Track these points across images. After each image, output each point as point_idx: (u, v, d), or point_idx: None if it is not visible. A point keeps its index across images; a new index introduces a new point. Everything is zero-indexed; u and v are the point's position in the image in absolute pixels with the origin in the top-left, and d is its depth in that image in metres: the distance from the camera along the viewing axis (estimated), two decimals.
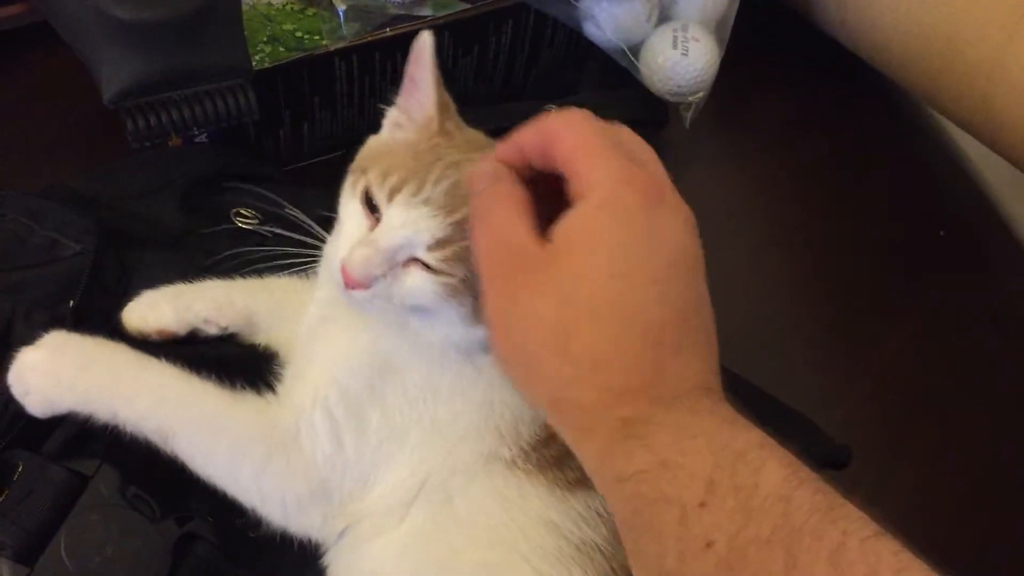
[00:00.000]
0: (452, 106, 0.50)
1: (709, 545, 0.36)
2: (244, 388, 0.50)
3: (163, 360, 0.50)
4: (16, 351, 0.50)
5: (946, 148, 0.85)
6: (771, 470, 0.36)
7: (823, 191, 0.81)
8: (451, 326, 0.47)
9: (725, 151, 0.83)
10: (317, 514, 0.50)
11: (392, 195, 0.46)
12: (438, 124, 0.49)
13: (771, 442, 0.38)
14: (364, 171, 0.48)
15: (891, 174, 0.83)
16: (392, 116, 0.52)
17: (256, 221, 0.62)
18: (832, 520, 0.35)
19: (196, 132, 0.62)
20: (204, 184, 0.63)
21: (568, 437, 0.41)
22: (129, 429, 0.49)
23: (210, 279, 0.57)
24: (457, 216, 0.45)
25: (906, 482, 0.66)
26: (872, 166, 0.83)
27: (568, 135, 0.42)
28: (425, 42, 0.48)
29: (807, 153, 0.82)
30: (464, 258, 0.45)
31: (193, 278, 0.56)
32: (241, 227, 0.62)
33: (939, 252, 0.79)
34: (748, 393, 0.60)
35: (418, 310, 0.47)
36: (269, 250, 0.55)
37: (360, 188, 0.47)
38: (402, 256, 0.46)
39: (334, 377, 0.49)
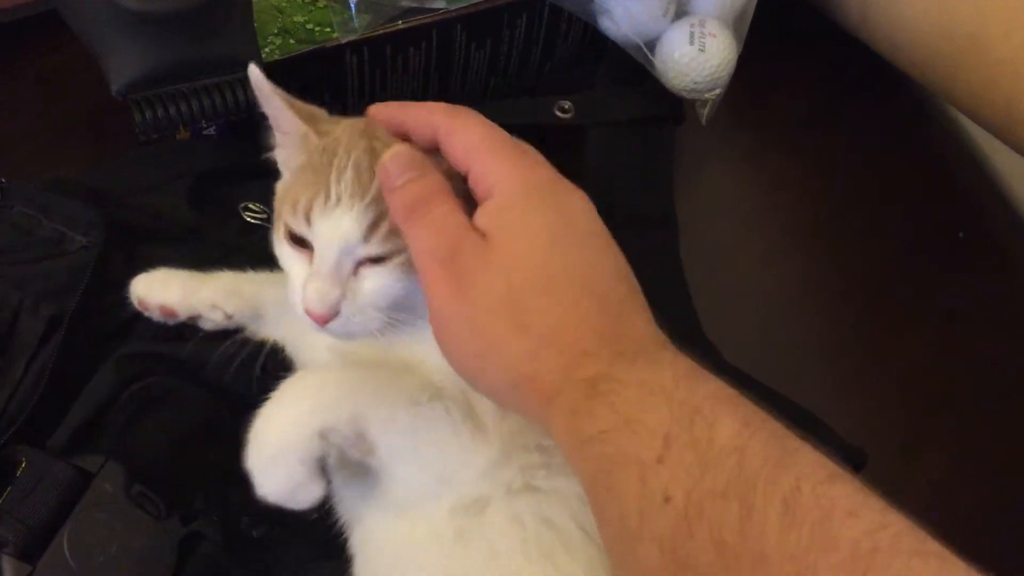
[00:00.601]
0: (320, 112, 0.50)
1: (667, 500, 0.36)
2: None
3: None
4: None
5: (966, 147, 0.84)
6: (726, 422, 0.37)
7: (840, 190, 0.80)
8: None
9: (741, 149, 0.82)
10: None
11: (308, 217, 0.46)
12: (314, 133, 0.48)
13: (729, 392, 0.39)
14: (280, 215, 0.48)
15: (910, 173, 0.82)
16: (279, 157, 0.51)
17: (264, 215, 0.62)
18: (786, 467, 0.36)
19: (204, 125, 0.62)
20: (212, 178, 0.63)
21: (532, 413, 0.42)
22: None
23: (219, 271, 0.56)
24: (371, 192, 0.45)
25: (922, 486, 0.65)
26: (890, 165, 0.82)
27: (466, 133, 0.45)
28: (255, 75, 0.48)
29: (824, 152, 0.81)
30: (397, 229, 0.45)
31: (201, 272, 0.56)
32: (249, 221, 0.62)
33: (958, 253, 0.77)
34: (760, 393, 0.59)
35: (399, 307, 0.46)
36: None
37: (282, 231, 0.47)
38: (347, 267, 0.46)
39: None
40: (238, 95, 0.56)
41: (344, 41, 0.63)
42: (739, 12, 0.69)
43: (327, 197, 0.45)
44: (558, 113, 0.70)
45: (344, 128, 0.48)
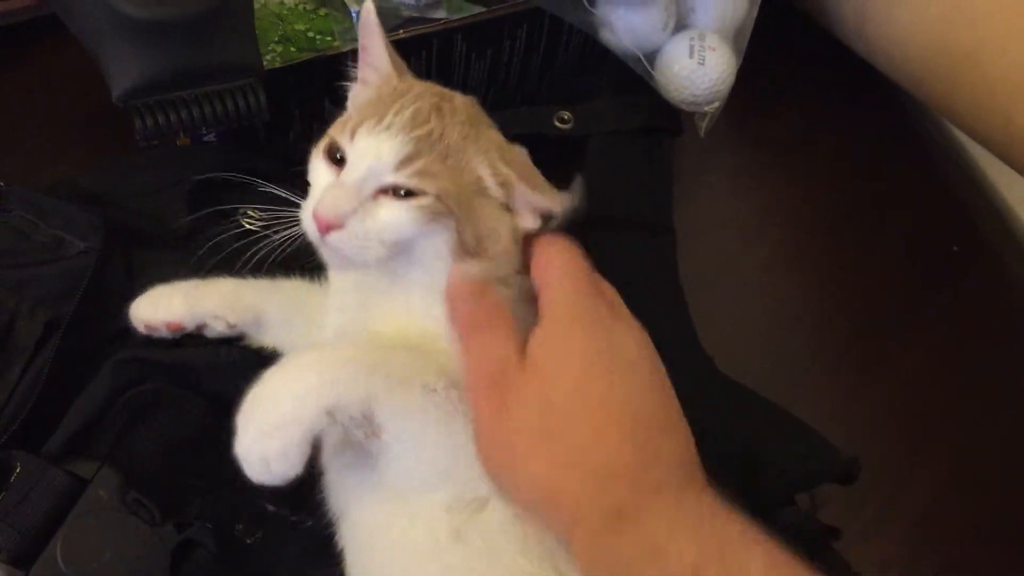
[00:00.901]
0: (404, 65, 0.52)
1: None
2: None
3: None
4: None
5: (961, 161, 0.84)
6: (756, 560, 0.39)
7: (836, 202, 0.80)
8: (441, 261, 0.47)
9: (739, 162, 0.82)
10: None
11: (353, 133, 0.47)
12: (397, 76, 0.51)
13: (755, 530, 0.40)
14: (327, 134, 0.49)
15: (905, 186, 0.82)
16: (352, 91, 0.54)
17: (263, 222, 0.61)
18: None
19: (205, 132, 0.62)
20: (211, 183, 0.62)
21: (558, 535, 0.43)
22: None
23: (219, 278, 0.56)
24: (420, 131, 0.47)
25: (916, 501, 0.65)
26: (887, 179, 0.82)
27: (546, 260, 0.48)
28: (368, 10, 0.51)
29: (821, 165, 0.82)
30: (434, 173, 0.46)
31: (199, 278, 0.55)
32: (248, 227, 0.61)
33: (954, 267, 0.78)
34: (757, 406, 0.60)
35: (403, 249, 0.47)
36: (276, 251, 0.54)
37: (323, 145, 0.49)
38: (371, 186, 0.46)
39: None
40: (239, 102, 0.56)
41: (346, 50, 0.63)
42: (739, 26, 0.69)
43: (379, 120, 0.47)
44: (557, 123, 0.70)
45: (422, 84, 0.51)
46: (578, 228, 0.70)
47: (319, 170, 0.49)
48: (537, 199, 0.48)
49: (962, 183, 0.84)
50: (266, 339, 0.55)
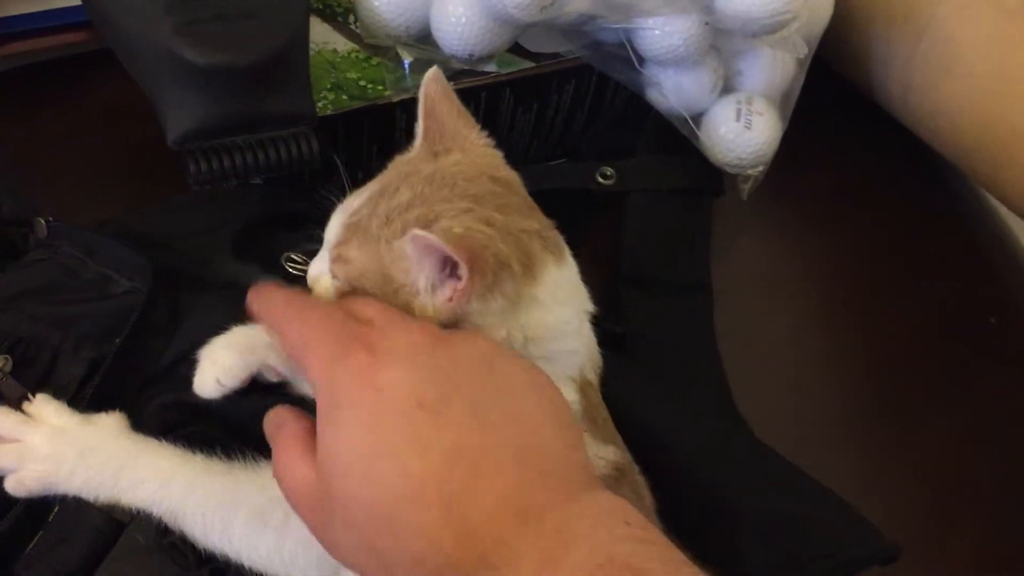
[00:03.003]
0: (470, 133, 0.52)
1: None
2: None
3: (164, 444, 0.50)
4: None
5: (1000, 230, 0.84)
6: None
7: (871, 267, 0.80)
8: None
9: (775, 224, 0.82)
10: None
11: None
12: (418, 146, 0.51)
13: (606, 552, 0.36)
14: None
15: (943, 256, 0.82)
16: None
17: (306, 267, 0.62)
18: None
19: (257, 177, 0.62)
20: (257, 225, 0.63)
21: None
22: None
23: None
24: (356, 216, 0.47)
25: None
26: (924, 246, 0.82)
27: (281, 324, 0.45)
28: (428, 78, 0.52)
29: (858, 230, 0.81)
30: (348, 259, 0.46)
31: (242, 323, 0.56)
32: (291, 272, 0.62)
33: (990, 340, 0.77)
34: (799, 480, 0.59)
35: None
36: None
37: None
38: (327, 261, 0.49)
39: None
40: (292, 150, 0.56)
41: (396, 100, 0.63)
42: (786, 91, 0.70)
43: (350, 198, 0.49)
44: (600, 179, 0.70)
45: (437, 166, 0.49)
46: (614, 286, 0.71)
47: None
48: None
49: (1000, 253, 0.83)
50: (305, 388, 0.55)
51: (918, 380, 0.74)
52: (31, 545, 0.49)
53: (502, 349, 0.43)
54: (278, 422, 0.45)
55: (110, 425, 0.50)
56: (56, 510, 0.50)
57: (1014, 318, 0.79)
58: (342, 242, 0.47)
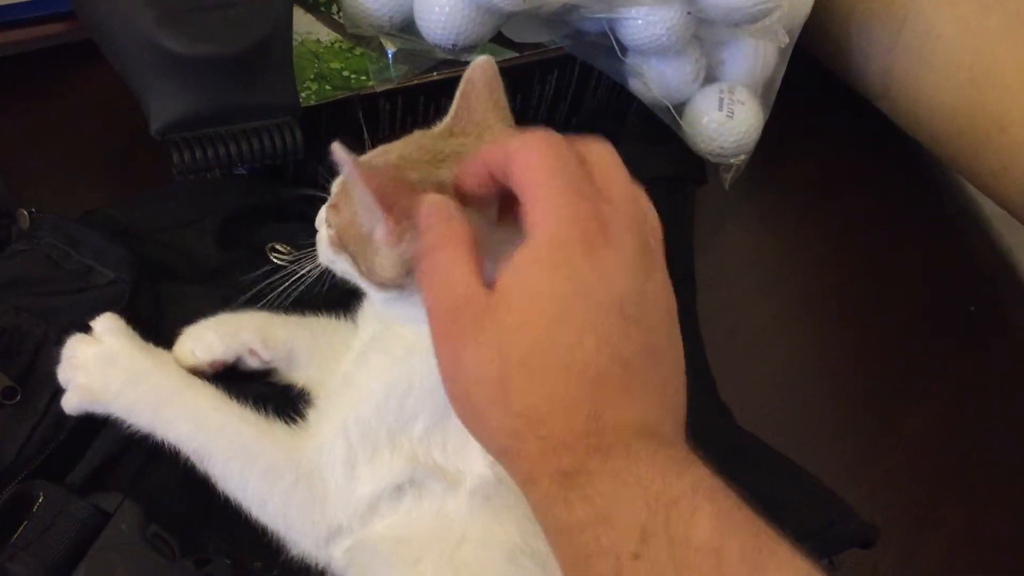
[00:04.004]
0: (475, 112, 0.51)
1: None
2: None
3: (208, 384, 0.51)
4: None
5: (980, 220, 0.85)
6: (703, 519, 0.36)
7: (854, 258, 0.81)
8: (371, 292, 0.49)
9: (759, 213, 0.83)
10: (336, 545, 0.49)
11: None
12: (445, 122, 0.51)
13: (707, 485, 0.38)
14: None
15: (924, 245, 0.83)
16: None
17: (291, 257, 0.62)
18: (763, 570, 0.36)
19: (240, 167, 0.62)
20: (241, 216, 0.63)
21: (517, 483, 0.42)
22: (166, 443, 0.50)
23: (249, 311, 0.56)
24: (345, 210, 0.48)
25: (929, 563, 0.65)
26: (905, 235, 0.83)
27: (523, 159, 0.41)
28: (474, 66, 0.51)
29: (840, 219, 0.82)
30: (340, 209, 0.48)
31: (229, 311, 0.56)
32: (275, 262, 0.62)
33: (969, 327, 0.78)
34: (778, 464, 0.60)
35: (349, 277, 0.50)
36: (303, 287, 0.55)
37: None
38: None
39: (358, 410, 0.49)
40: (276, 140, 0.56)
41: (380, 90, 0.63)
42: (768, 80, 0.70)
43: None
44: None
45: (444, 143, 0.49)
46: None
47: None
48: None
49: (980, 242, 0.84)
50: (295, 375, 0.55)
51: (902, 368, 0.75)
52: (15, 535, 0.48)
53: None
54: (445, 214, 0.42)
55: (164, 359, 0.52)
56: (41, 500, 0.49)
57: (993, 306, 0.80)
58: (339, 192, 0.49)
